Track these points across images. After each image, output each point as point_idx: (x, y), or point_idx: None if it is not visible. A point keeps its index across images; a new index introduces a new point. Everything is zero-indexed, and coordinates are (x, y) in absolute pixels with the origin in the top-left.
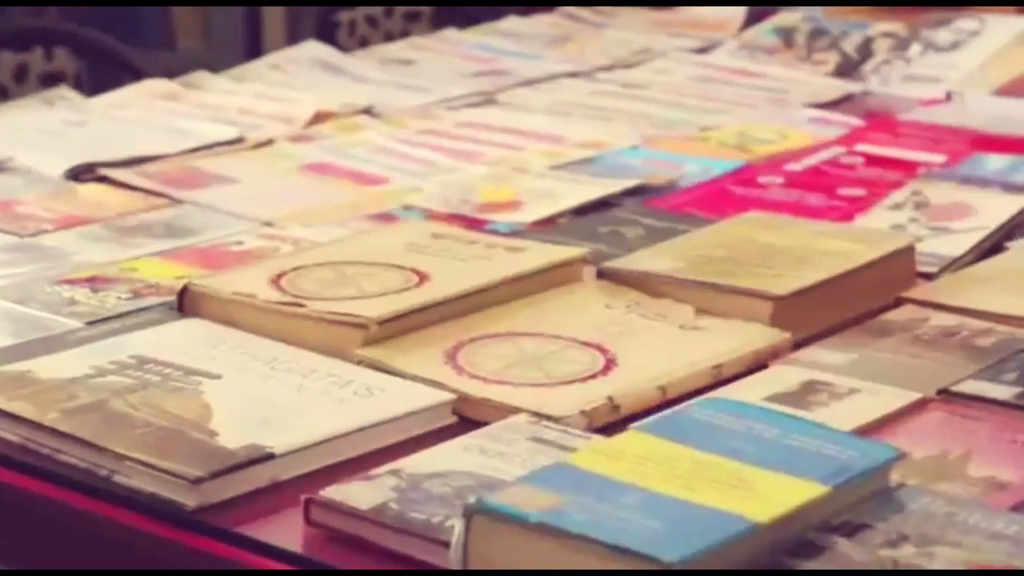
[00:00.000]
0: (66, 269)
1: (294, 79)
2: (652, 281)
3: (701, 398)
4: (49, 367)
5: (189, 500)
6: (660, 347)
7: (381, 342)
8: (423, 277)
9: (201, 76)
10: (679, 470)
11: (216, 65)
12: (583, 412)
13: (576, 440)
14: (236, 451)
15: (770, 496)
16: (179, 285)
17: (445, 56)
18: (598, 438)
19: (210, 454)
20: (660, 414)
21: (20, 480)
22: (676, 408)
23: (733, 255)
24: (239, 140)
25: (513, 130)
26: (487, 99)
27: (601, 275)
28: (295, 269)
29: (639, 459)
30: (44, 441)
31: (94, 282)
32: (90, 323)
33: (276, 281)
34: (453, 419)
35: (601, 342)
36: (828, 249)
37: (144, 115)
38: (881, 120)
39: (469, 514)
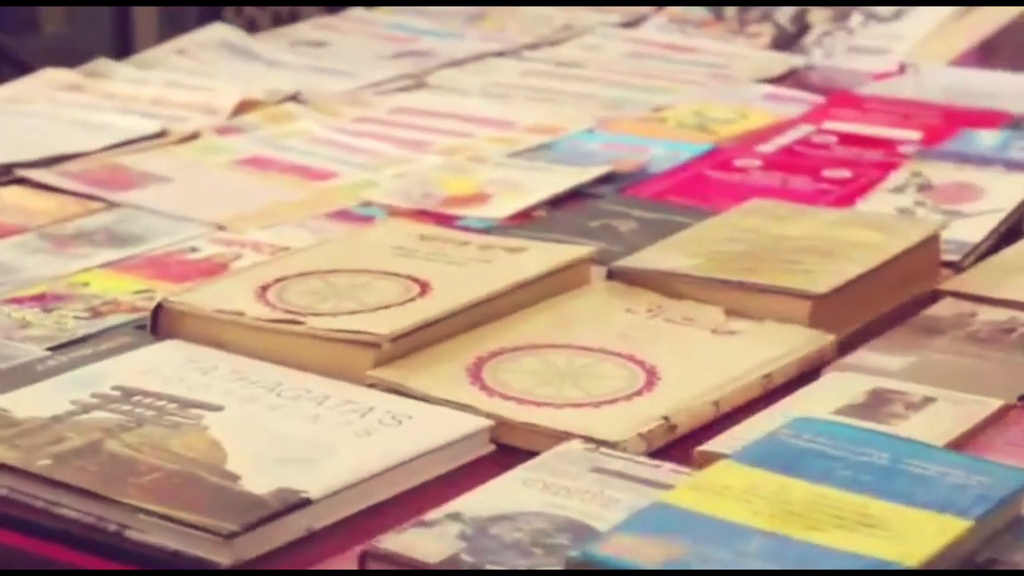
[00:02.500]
0: (8, 286)
1: (205, 65)
2: (673, 281)
3: (795, 419)
4: (23, 404)
5: (222, 558)
6: (698, 356)
7: (392, 361)
8: (424, 286)
9: (104, 64)
10: (794, 507)
11: (85, 48)
12: (641, 435)
13: (643, 469)
14: (266, 498)
15: (908, 534)
16: (140, 300)
17: (358, 37)
18: (668, 466)
19: (238, 503)
20: (726, 437)
21: (9, 538)
22: (766, 432)
23: (751, 250)
24: (162, 134)
25: (455, 115)
26: (416, 82)
27: (612, 275)
28: (278, 281)
29: (746, 495)
30: (34, 492)
31: (44, 300)
32: (52, 348)
33: (262, 295)
34: (491, 447)
35: (633, 352)
36: (852, 240)
37: (51, 109)
38: (842, 96)
39: (574, 569)
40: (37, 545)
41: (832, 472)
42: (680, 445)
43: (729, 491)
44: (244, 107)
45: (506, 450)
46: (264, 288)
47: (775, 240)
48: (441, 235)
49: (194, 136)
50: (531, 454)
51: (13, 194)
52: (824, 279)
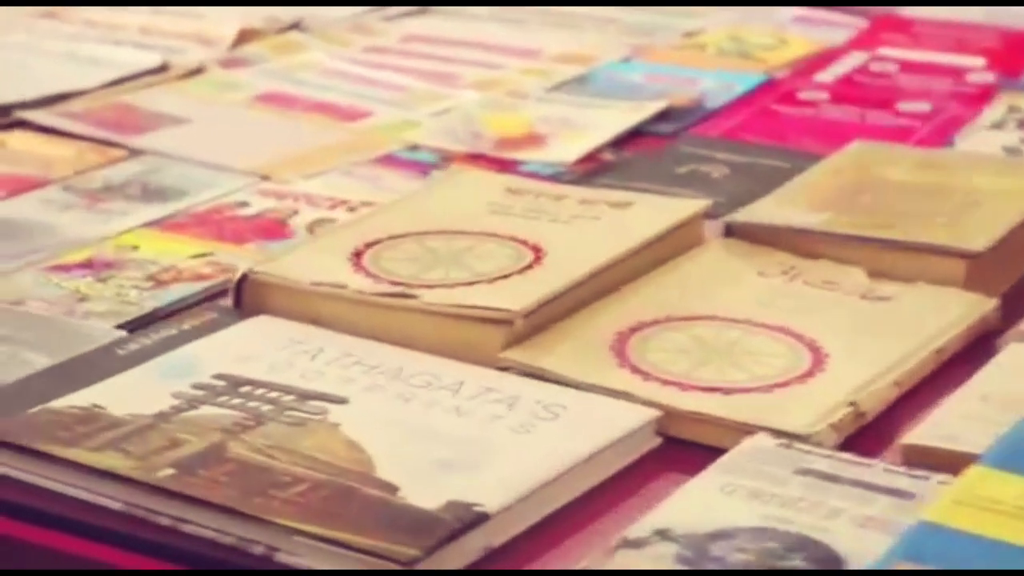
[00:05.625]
0: (47, 251)
1: None
2: (805, 239)
3: None
4: (118, 398)
5: None
6: (857, 326)
7: (523, 340)
8: (536, 250)
9: None
10: None
11: None
12: (832, 425)
13: (854, 469)
14: (438, 514)
15: None
16: (202, 267)
17: None
18: (880, 465)
19: (407, 520)
20: (927, 426)
21: (128, 560)
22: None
23: (881, 200)
24: (164, 68)
25: (473, 43)
26: (421, 6)
27: (730, 232)
28: (369, 246)
29: (1021, 510)
30: (158, 507)
31: (93, 267)
32: (123, 326)
33: (358, 263)
34: (657, 441)
35: (786, 324)
36: (983, 187)
37: (32, 40)
38: (887, 19)
39: None
40: (162, 566)
41: None
42: (865, 433)
43: (1001, 506)
44: (243, 37)
45: (671, 443)
46: (358, 255)
47: (898, 189)
48: (532, 188)
49: (199, 70)
50: (696, 446)
51: (23, 141)
52: (978, 234)
